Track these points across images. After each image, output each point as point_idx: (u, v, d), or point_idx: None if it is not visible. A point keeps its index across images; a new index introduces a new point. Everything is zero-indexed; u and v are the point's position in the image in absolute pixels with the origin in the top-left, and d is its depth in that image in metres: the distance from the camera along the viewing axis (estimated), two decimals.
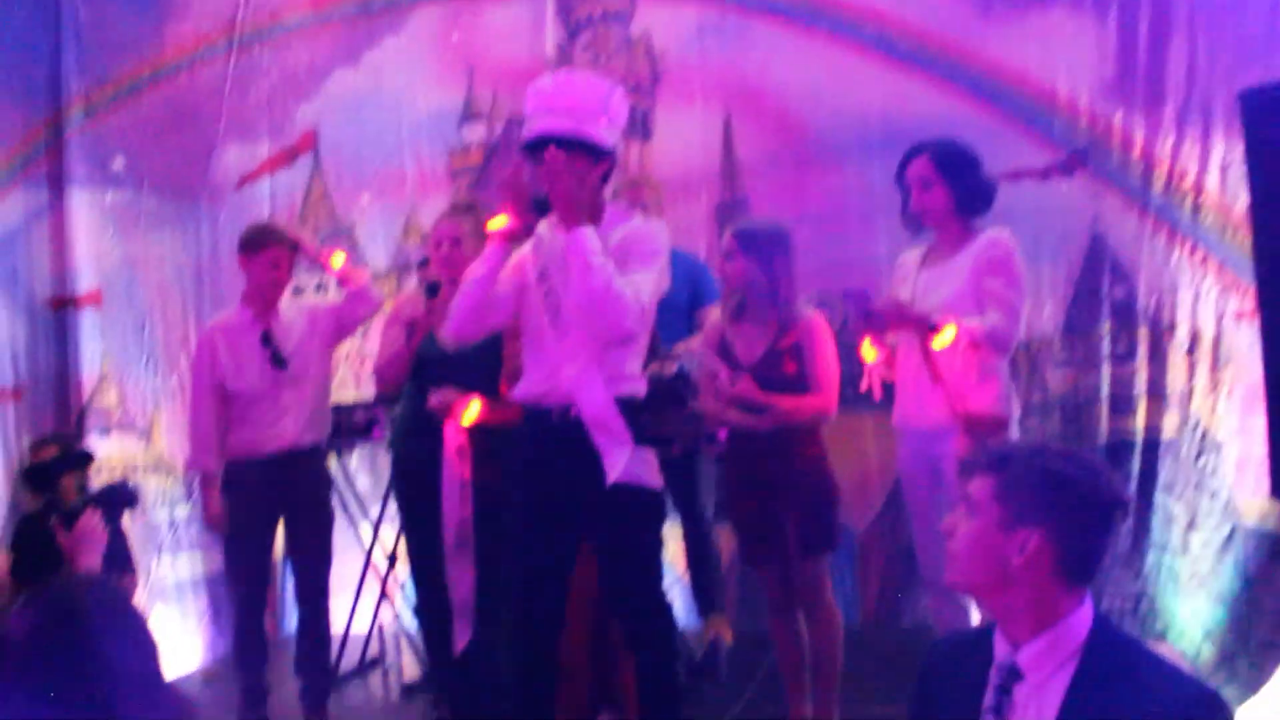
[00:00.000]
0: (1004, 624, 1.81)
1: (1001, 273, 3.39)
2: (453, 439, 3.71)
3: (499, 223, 3.11)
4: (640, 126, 5.38)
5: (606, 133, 3.08)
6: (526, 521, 3.17)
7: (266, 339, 4.15)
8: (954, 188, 3.46)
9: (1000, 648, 1.80)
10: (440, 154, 5.83)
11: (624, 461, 3.02)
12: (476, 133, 5.83)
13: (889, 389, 3.60)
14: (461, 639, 3.71)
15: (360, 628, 4.99)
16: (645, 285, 3.01)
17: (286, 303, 4.35)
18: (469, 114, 5.81)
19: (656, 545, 3.23)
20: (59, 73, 6.23)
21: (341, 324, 4.35)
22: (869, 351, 3.54)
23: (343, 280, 4.28)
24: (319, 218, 6.00)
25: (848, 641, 3.68)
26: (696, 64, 5.33)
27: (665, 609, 3.24)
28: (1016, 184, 4.63)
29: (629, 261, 3.02)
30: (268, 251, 4.17)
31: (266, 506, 4.17)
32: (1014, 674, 1.77)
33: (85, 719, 1.62)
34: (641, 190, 4.60)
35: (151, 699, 1.71)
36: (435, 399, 3.70)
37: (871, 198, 4.83)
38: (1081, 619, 1.76)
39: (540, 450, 3.14)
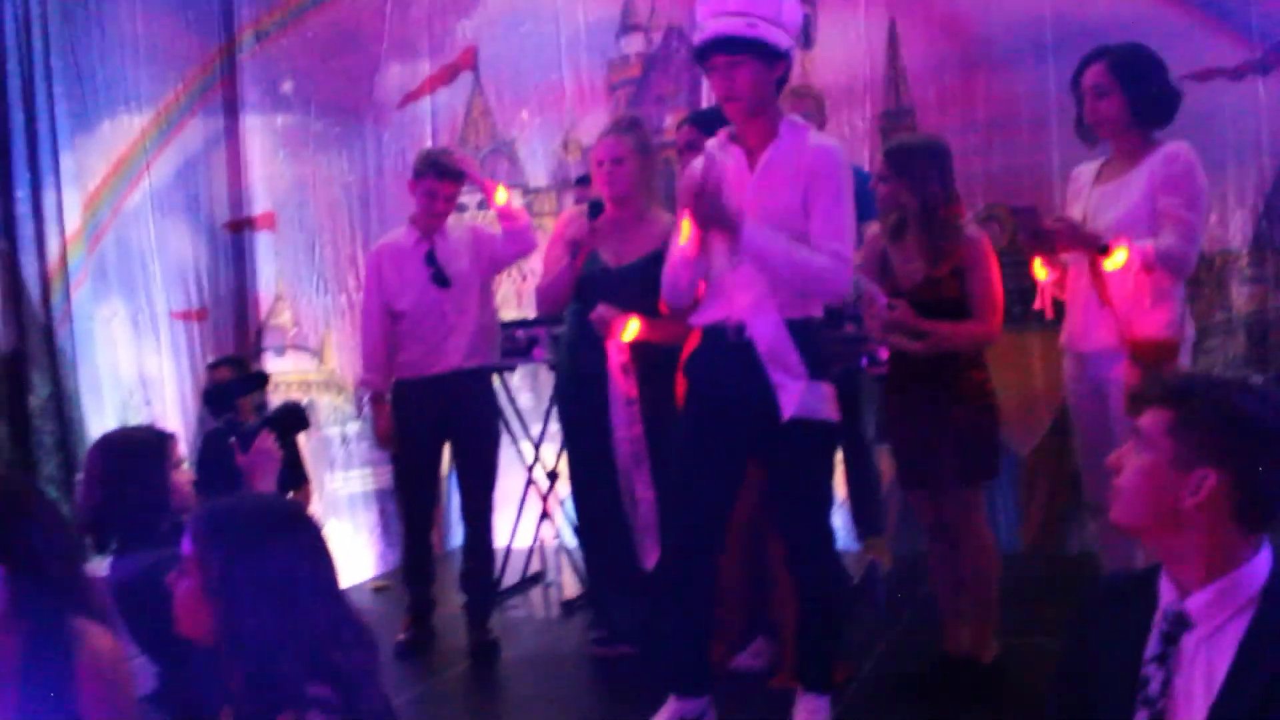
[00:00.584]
0: (1172, 568, 1.70)
1: (1180, 190, 3.17)
2: (616, 356, 3.71)
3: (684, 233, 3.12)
4: (802, 34, 5.21)
5: (781, 34, 2.99)
6: (696, 442, 3.17)
7: (430, 259, 4.22)
8: (1131, 97, 3.23)
9: (1167, 593, 1.70)
10: (599, 67, 5.78)
11: (799, 395, 3.00)
12: (635, 44, 5.75)
13: (1061, 307, 3.44)
14: (650, 557, 3.72)
15: (522, 544, 5.10)
16: (842, 227, 3.02)
17: (453, 222, 4.40)
18: (627, 25, 5.73)
19: (828, 471, 3.26)
20: (230, 0, 6.39)
21: (496, 259, 4.39)
22: (1040, 270, 3.39)
23: (503, 216, 4.29)
24: (479, 134, 6.04)
25: (1009, 569, 3.58)
26: None
27: (830, 535, 3.25)
28: (1205, 84, 4.33)
29: (818, 188, 2.99)
30: (426, 180, 4.22)
31: (434, 425, 4.27)
32: (1182, 621, 1.67)
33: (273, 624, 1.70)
34: (804, 100, 4.45)
35: (329, 609, 1.77)
36: (596, 314, 3.71)
37: (1045, 104, 4.61)
38: (1258, 567, 1.65)
39: (715, 373, 3.14)
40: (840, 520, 4.52)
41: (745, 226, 2.97)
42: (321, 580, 1.79)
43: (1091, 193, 3.34)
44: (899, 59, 5.07)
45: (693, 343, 3.26)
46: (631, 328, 3.66)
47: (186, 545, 1.79)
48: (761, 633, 3.79)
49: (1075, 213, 3.33)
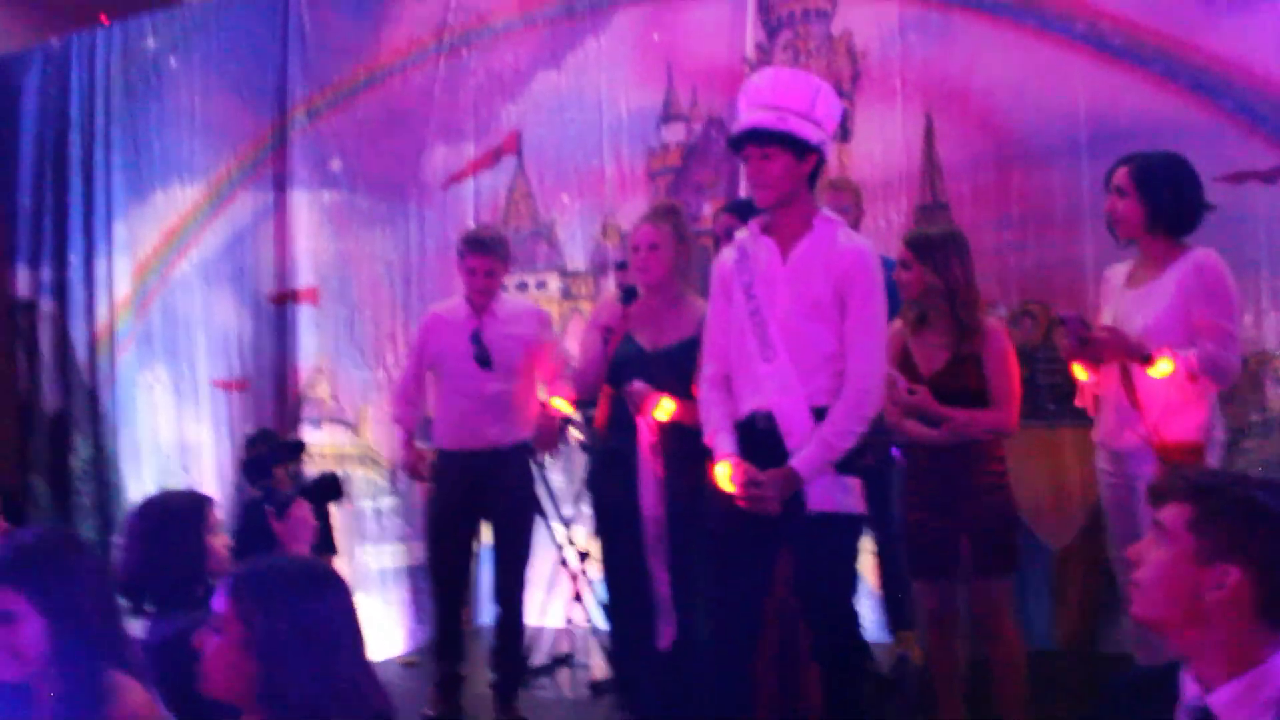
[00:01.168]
0: (1194, 663, 1.71)
1: (1215, 300, 3.22)
2: (646, 435, 3.76)
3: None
4: (840, 127, 5.30)
5: (812, 129, 3.07)
6: (729, 531, 3.19)
7: (475, 339, 4.28)
8: (1150, 203, 3.29)
9: (1189, 689, 1.71)
10: (639, 154, 5.87)
11: (824, 489, 3.05)
12: (676, 133, 5.85)
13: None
14: (666, 638, 3.74)
15: (551, 624, 5.10)
16: (873, 329, 3.11)
17: (508, 300, 4.46)
18: (668, 114, 5.83)
19: (852, 563, 3.27)
20: (285, 79, 6.59)
21: (544, 345, 4.43)
22: (1080, 372, 3.43)
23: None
24: (520, 216, 6.14)
25: (1042, 666, 3.56)
26: (898, 63, 5.20)
27: (855, 622, 3.26)
28: (1239, 187, 4.36)
29: (851, 289, 3.06)
30: (466, 257, 4.30)
31: (470, 501, 4.31)
32: (1206, 718, 1.67)
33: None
34: (842, 192, 4.53)
35: (362, 664, 1.87)
36: (631, 387, 3.75)
37: (1079, 201, 4.64)
38: None
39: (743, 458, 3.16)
40: (871, 613, 4.51)
41: (799, 472, 3.02)
42: (355, 637, 1.87)
43: (1123, 295, 3.38)
44: (935, 154, 5.13)
45: None
46: (665, 406, 3.71)
47: (221, 603, 1.83)
48: (792, 717, 3.77)
49: (1106, 314, 3.38)
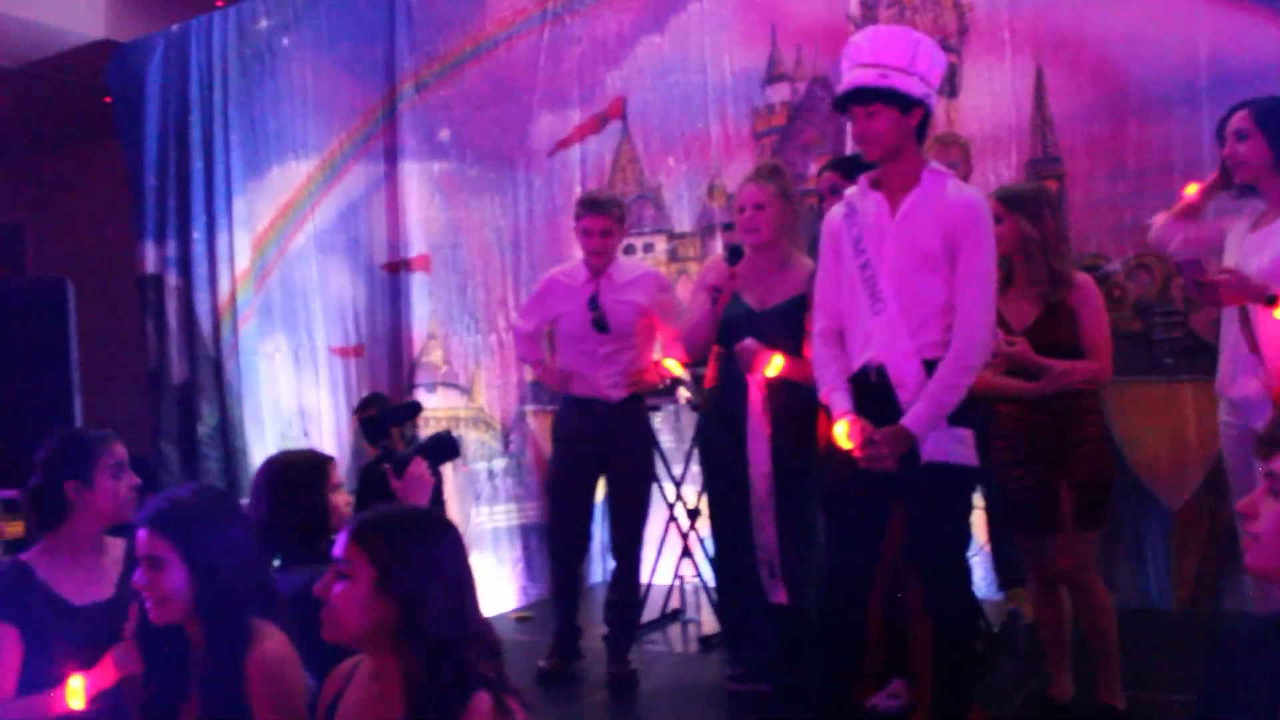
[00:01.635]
0: None
1: None
2: (755, 393, 3.78)
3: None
4: (946, 83, 5.22)
5: (914, 83, 3.06)
6: (841, 483, 3.21)
7: (593, 303, 4.33)
8: (1273, 143, 3.20)
9: None
10: (744, 116, 5.86)
11: (936, 440, 3.04)
12: (781, 93, 5.82)
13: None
14: (775, 594, 3.79)
15: (661, 582, 5.16)
16: (983, 279, 3.07)
17: (626, 264, 4.48)
18: (773, 75, 5.81)
19: (965, 516, 3.25)
20: (393, 53, 6.72)
21: (663, 310, 4.42)
22: (1191, 188, 3.45)
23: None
24: (627, 181, 6.18)
25: (1162, 627, 3.51)
26: (1006, 14, 5.11)
27: (966, 576, 3.25)
28: None
29: (961, 239, 3.04)
30: (580, 219, 4.35)
31: (590, 454, 4.36)
32: None
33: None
34: (950, 148, 4.47)
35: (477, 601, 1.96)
36: (742, 344, 3.77)
37: (1197, 151, 4.52)
38: None
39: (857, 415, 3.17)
40: (982, 570, 4.49)
41: (910, 429, 3.02)
42: (473, 579, 1.98)
43: (1244, 240, 3.29)
44: (1046, 107, 5.03)
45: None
46: (775, 363, 3.73)
47: (345, 550, 1.91)
48: (899, 674, 3.78)
49: (1228, 260, 3.29)
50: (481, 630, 1.94)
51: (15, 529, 3.30)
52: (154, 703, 2.26)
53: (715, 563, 4.39)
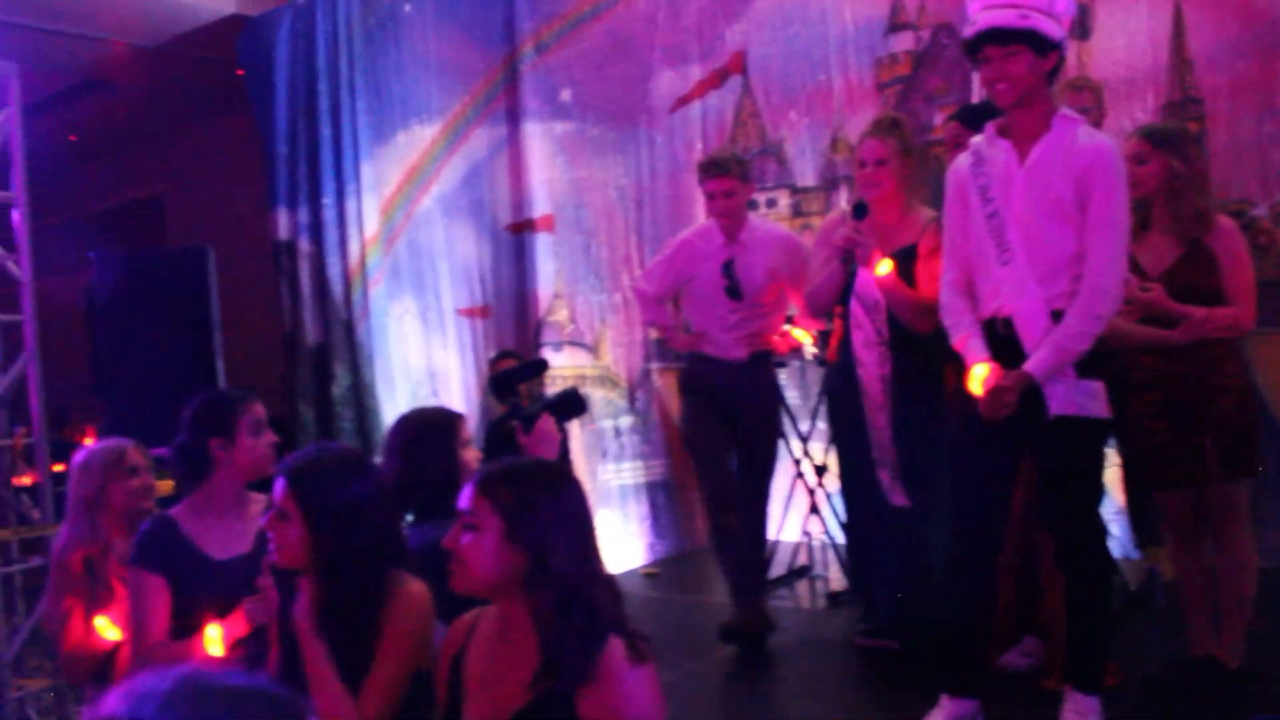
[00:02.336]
0: None
1: None
2: (868, 292, 3.77)
3: None
4: (1078, 26, 5.04)
5: (1053, 25, 2.97)
6: (969, 439, 3.16)
7: (727, 270, 4.30)
8: None
9: None
10: (867, 66, 5.76)
11: (1066, 392, 2.96)
12: (904, 42, 5.70)
13: None
14: (895, 496, 3.83)
15: (787, 538, 5.16)
16: (1116, 225, 2.97)
17: (759, 227, 4.39)
18: (895, 24, 5.69)
19: (1098, 469, 3.18)
20: (513, 15, 6.76)
21: (793, 274, 4.32)
22: None
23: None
24: (748, 136, 6.13)
25: None
26: None
27: (1100, 534, 3.18)
28: None
29: (1093, 185, 2.95)
30: (709, 182, 4.29)
31: (720, 411, 4.36)
32: None
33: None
34: (1081, 93, 4.32)
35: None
36: (857, 234, 3.70)
37: None
38: None
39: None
40: (1118, 528, 4.38)
41: (1032, 375, 2.96)
42: (595, 528, 2.01)
43: None
44: (1185, 46, 4.83)
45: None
46: (885, 263, 3.68)
47: (473, 501, 1.95)
48: (1031, 632, 3.72)
49: None
50: (611, 579, 1.97)
51: (165, 486, 3.44)
52: (284, 651, 2.34)
53: (845, 521, 4.37)
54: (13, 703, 4.65)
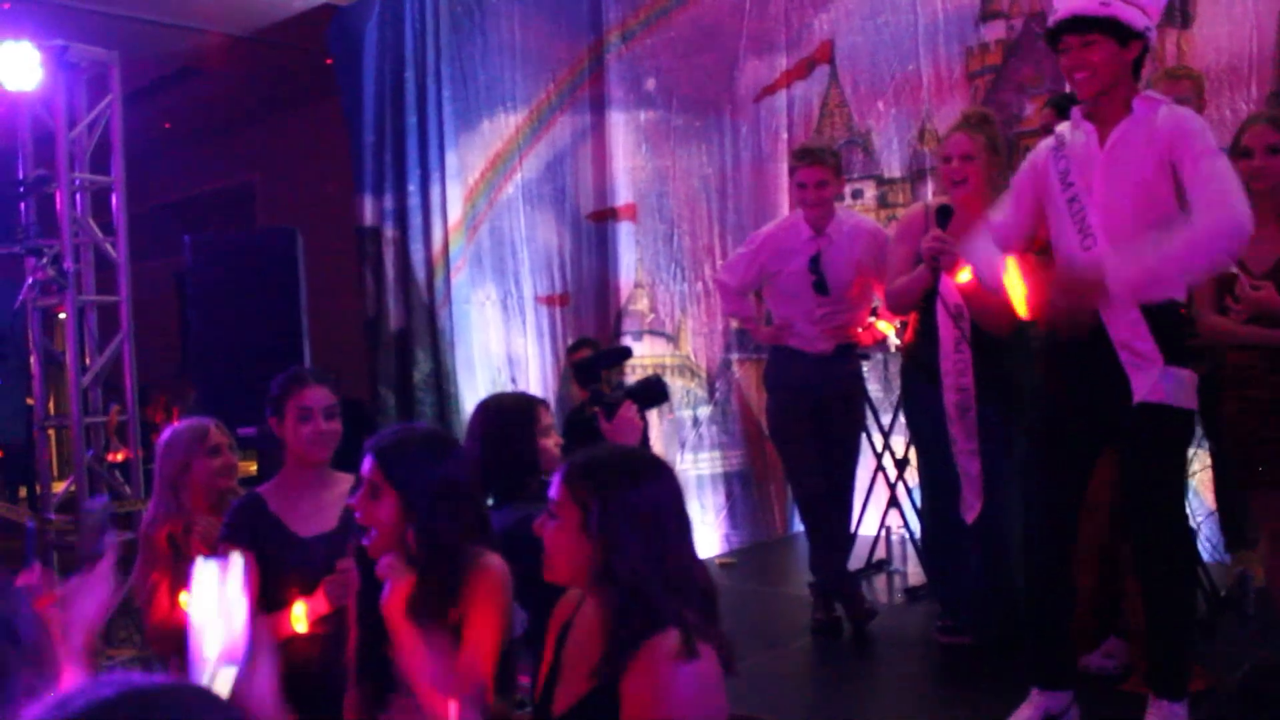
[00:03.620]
0: None
1: None
2: (950, 296, 3.72)
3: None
4: (1179, 14, 4.91)
5: (1136, 13, 2.88)
6: (1049, 425, 3.10)
7: (814, 265, 4.24)
8: None
9: None
10: (957, 56, 5.67)
11: (1152, 381, 2.88)
12: (995, 30, 5.60)
13: None
14: (970, 511, 3.79)
15: (866, 531, 5.10)
16: (1221, 175, 2.83)
17: (846, 219, 4.32)
18: (987, 12, 5.59)
19: (1182, 463, 3.08)
20: (599, 4, 6.77)
21: (879, 267, 4.26)
22: None
23: None
24: (835, 126, 6.07)
25: None
26: None
27: (1184, 531, 3.09)
28: None
29: (1181, 153, 2.84)
30: (802, 171, 4.23)
31: (805, 404, 4.32)
32: None
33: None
34: (1180, 82, 4.20)
35: (689, 546, 1.97)
36: (941, 240, 3.63)
37: None
38: None
39: (1066, 358, 3.06)
40: (1208, 531, 4.27)
41: (1108, 280, 2.86)
42: (682, 523, 1.96)
43: None
44: None
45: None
46: (966, 270, 3.60)
47: (559, 490, 1.95)
48: (1114, 633, 3.64)
49: None
50: (688, 575, 1.92)
51: (248, 467, 3.51)
52: (364, 634, 2.36)
53: (924, 516, 4.31)
54: (103, 671, 4.78)
